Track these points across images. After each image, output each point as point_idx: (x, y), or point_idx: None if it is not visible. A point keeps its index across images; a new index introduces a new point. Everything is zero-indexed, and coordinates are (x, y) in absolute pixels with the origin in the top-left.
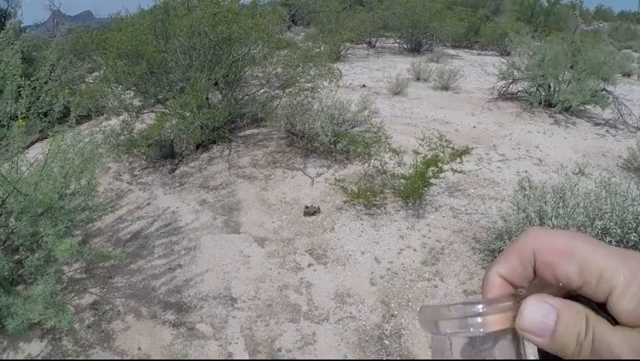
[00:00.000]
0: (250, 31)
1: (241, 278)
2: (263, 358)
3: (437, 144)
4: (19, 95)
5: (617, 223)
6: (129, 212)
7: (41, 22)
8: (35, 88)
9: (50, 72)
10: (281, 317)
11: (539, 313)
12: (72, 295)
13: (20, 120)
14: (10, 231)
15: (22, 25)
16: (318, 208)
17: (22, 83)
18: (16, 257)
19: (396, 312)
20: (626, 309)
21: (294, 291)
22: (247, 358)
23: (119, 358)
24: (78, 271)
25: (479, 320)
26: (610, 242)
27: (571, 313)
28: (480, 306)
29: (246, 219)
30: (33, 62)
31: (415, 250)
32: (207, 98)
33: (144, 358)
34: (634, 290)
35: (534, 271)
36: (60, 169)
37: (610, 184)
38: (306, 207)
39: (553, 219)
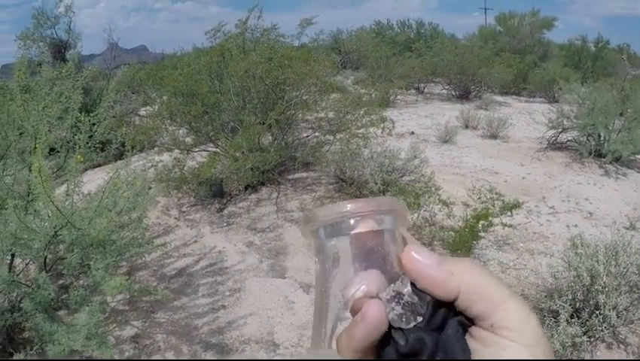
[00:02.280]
0: (305, 77)
1: (284, 324)
2: None
3: (488, 196)
4: (78, 128)
5: None
6: (175, 248)
7: (98, 53)
8: (93, 124)
9: (110, 109)
10: None
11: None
12: (114, 325)
13: (79, 156)
14: (57, 257)
15: (80, 55)
16: None
17: (82, 118)
18: (60, 281)
19: None
20: None
21: None
22: None
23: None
24: (121, 302)
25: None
26: None
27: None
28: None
29: (292, 264)
30: (90, 91)
31: None
32: (258, 141)
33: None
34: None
35: None
36: (113, 205)
37: None
38: None
39: (604, 277)
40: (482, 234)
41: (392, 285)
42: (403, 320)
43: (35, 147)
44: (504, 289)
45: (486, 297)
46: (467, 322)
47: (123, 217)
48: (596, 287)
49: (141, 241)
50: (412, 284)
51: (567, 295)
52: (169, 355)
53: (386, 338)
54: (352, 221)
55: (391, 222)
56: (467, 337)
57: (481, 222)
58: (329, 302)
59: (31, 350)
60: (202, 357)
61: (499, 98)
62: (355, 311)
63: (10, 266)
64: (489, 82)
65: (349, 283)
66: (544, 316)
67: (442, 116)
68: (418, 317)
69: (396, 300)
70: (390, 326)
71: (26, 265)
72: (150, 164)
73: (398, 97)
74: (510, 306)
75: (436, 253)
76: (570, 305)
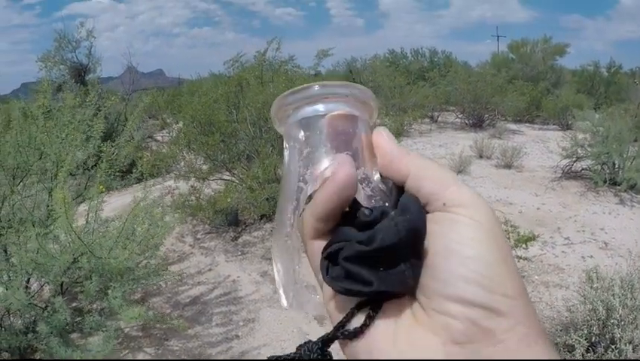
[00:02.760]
0: None
1: None
2: None
3: (503, 229)
4: (99, 157)
5: None
6: (189, 276)
7: (116, 76)
8: (114, 153)
9: (130, 139)
10: None
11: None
12: (127, 351)
13: (100, 186)
14: (74, 280)
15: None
16: None
17: (104, 147)
18: (73, 304)
19: None
20: None
21: None
22: None
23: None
24: (135, 328)
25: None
26: None
27: None
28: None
29: None
30: (108, 115)
31: None
32: (275, 171)
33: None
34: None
35: None
36: (132, 233)
37: None
38: None
39: (620, 310)
40: None
41: (362, 168)
42: (372, 202)
43: (57, 174)
44: (455, 175)
45: (437, 177)
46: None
47: (142, 247)
48: (612, 321)
49: (158, 269)
50: (380, 175)
51: (582, 330)
52: None
53: (347, 220)
54: (321, 105)
55: (362, 110)
56: None
57: None
58: (297, 181)
59: None
60: None
61: (513, 126)
62: None
63: (26, 288)
64: (503, 110)
65: (319, 160)
66: (560, 350)
67: (456, 145)
68: (385, 203)
69: (366, 182)
70: (355, 206)
71: (41, 286)
72: (166, 190)
73: (412, 126)
74: (462, 187)
75: None
76: (585, 340)
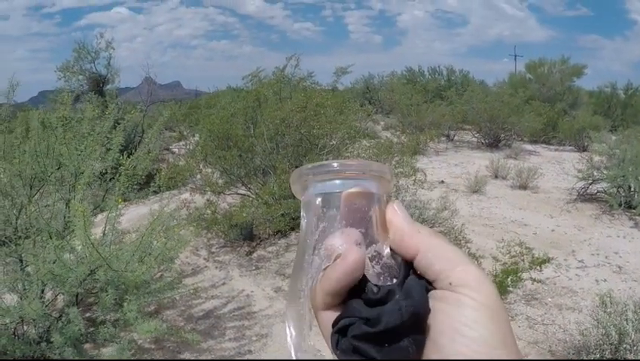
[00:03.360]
0: (339, 127)
1: None
2: None
3: (517, 250)
4: (117, 170)
5: None
6: (203, 289)
7: (133, 87)
8: (134, 167)
9: (148, 152)
10: None
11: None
12: None
13: (119, 199)
14: (89, 291)
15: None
16: None
17: (123, 161)
18: (87, 314)
19: None
20: None
21: None
22: None
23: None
24: (148, 340)
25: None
26: None
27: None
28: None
29: None
30: (125, 127)
31: None
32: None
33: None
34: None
35: None
36: (149, 247)
37: None
38: None
39: (632, 335)
40: (510, 288)
41: (374, 245)
42: (381, 279)
43: (75, 185)
44: (463, 253)
45: (445, 257)
46: (430, 286)
47: (158, 261)
48: (624, 346)
49: (173, 283)
50: (391, 249)
51: (595, 354)
52: None
53: (356, 292)
54: (339, 181)
55: (377, 186)
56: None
57: (510, 277)
58: (312, 253)
59: None
60: None
61: (529, 147)
62: None
63: (41, 298)
64: (519, 130)
65: (333, 236)
66: None
67: (472, 165)
68: (394, 279)
69: (376, 260)
70: (364, 280)
71: (55, 296)
72: (182, 203)
73: (429, 144)
74: (469, 267)
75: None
76: None
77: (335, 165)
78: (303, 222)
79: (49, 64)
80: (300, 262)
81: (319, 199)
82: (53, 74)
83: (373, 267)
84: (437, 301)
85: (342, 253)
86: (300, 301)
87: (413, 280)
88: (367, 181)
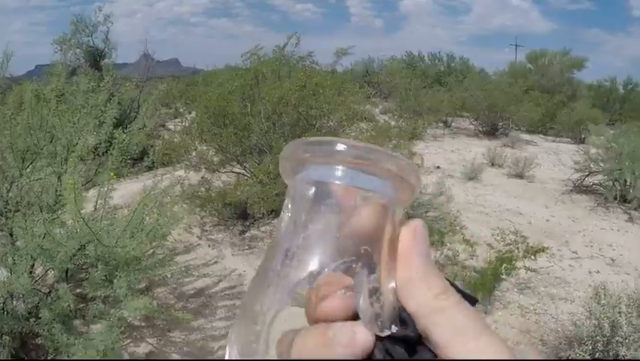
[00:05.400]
0: (338, 108)
1: None
2: None
3: (512, 238)
4: (111, 143)
5: None
6: (195, 267)
7: (131, 62)
8: (126, 140)
9: (143, 127)
10: None
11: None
12: (129, 341)
13: (112, 174)
14: (79, 267)
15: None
16: None
17: (117, 134)
18: (77, 290)
19: None
20: None
21: None
22: None
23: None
24: (138, 318)
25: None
26: None
27: None
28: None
29: None
30: (121, 102)
31: None
32: None
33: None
34: None
35: None
36: (141, 223)
37: None
38: None
39: (625, 328)
40: (504, 276)
41: (373, 275)
42: (378, 323)
43: (67, 159)
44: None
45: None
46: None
47: (150, 237)
48: (617, 338)
49: (164, 260)
50: None
51: (587, 345)
52: None
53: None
54: (344, 170)
55: (394, 191)
56: None
57: (504, 265)
58: (288, 264)
59: (44, 356)
60: None
61: (526, 137)
62: (319, 300)
63: (30, 273)
64: (517, 119)
65: (319, 251)
66: None
67: (468, 152)
68: (392, 326)
69: (375, 297)
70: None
71: (46, 271)
72: (176, 180)
73: (426, 130)
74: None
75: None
76: (590, 355)
77: (343, 146)
78: (285, 215)
79: (46, 37)
80: (266, 271)
81: (313, 189)
82: (50, 47)
83: (372, 305)
84: None
85: (349, 333)
86: (255, 328)
87: (422, 350)
88: (384, 181)
